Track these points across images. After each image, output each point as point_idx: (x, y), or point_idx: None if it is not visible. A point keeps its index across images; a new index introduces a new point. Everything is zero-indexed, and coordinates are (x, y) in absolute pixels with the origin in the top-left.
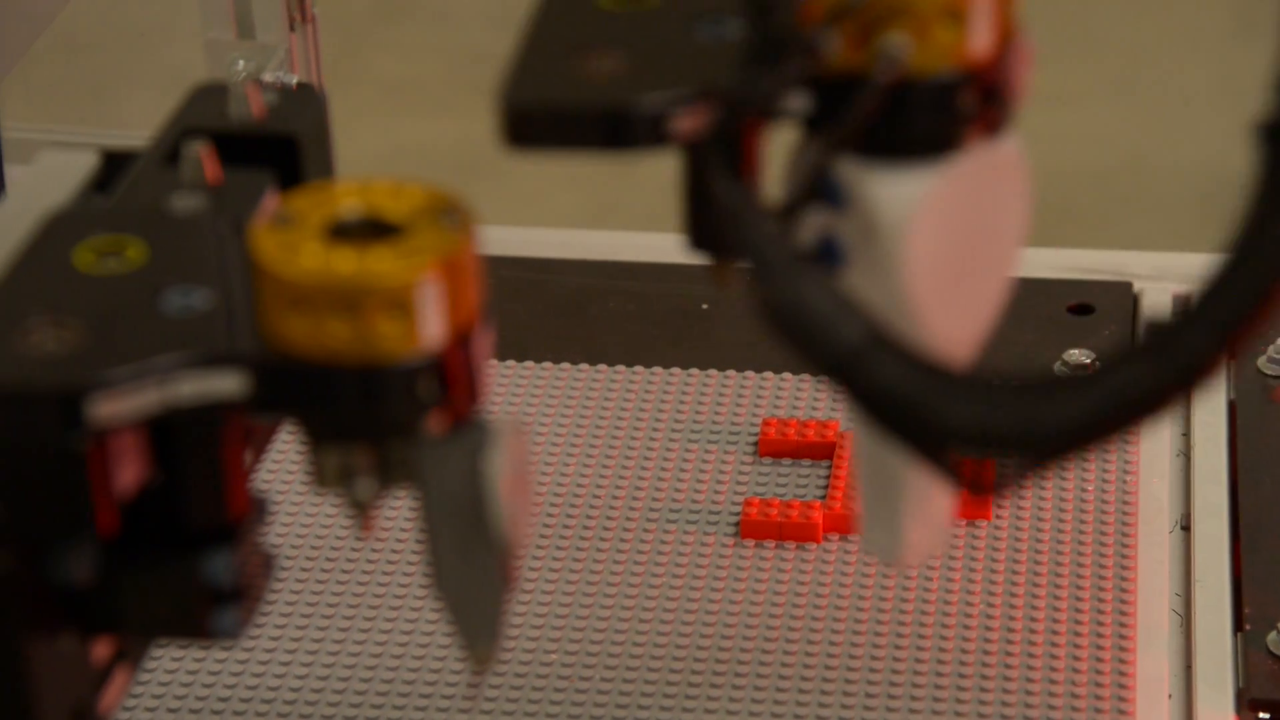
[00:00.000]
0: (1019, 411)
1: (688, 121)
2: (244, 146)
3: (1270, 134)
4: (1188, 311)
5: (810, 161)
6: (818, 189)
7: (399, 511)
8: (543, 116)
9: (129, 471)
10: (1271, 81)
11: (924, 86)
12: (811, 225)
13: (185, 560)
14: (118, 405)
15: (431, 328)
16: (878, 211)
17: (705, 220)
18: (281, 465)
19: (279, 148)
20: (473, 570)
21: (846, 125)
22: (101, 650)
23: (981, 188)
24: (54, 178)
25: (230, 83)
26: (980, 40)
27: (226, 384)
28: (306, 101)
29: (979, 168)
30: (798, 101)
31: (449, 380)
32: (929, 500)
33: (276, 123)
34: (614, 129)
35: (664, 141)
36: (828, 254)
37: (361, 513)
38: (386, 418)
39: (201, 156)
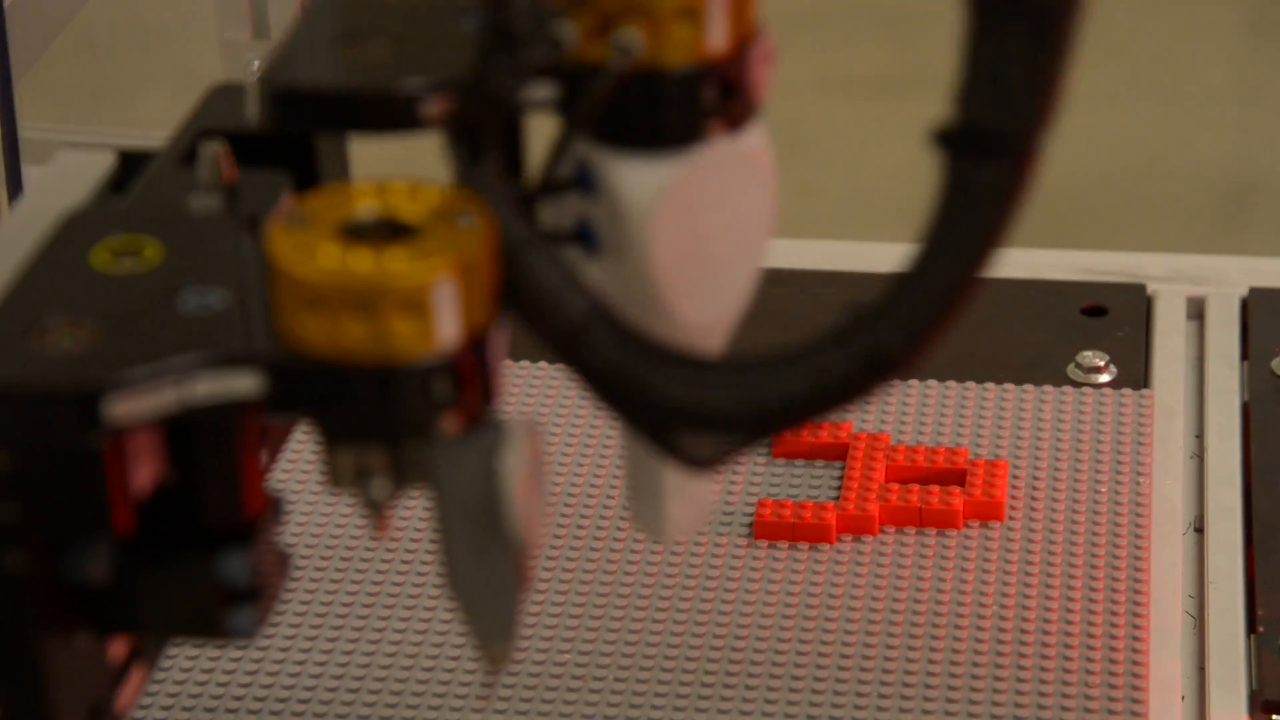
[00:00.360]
0: (727, 391)
1: (436, 107)
2: (260, 147)
3: (944, 140)
4: (881, 305)
5: (552, 148)
6: (576, 177)
7: (413, 511)
8: (304, 98)
9: (145, 471)
10: (953, 93)
11: (663, 79)
12: (569, 211)
13: (201, 559)
14: (134, 405)
15: (447, 328)
16: (623, 198)
17: None
18: (296, 464)
19: (295, 148)
20: (487, 570)
21: (582, 113)
22: (118, 648)
23: (725, 179)
24: (71, 178)
25: (246, 83)
26: (717, 38)
27: (242, 384)
28: None
29: (722, 160)
30: (543, 91)
31: (464, 380)
32: (689, 478)
33: None
34: (370, 112)
35: (419, 125)
36: (584, 239)
37: (376, 513)
38: (401, 418)
39: (218, 157)
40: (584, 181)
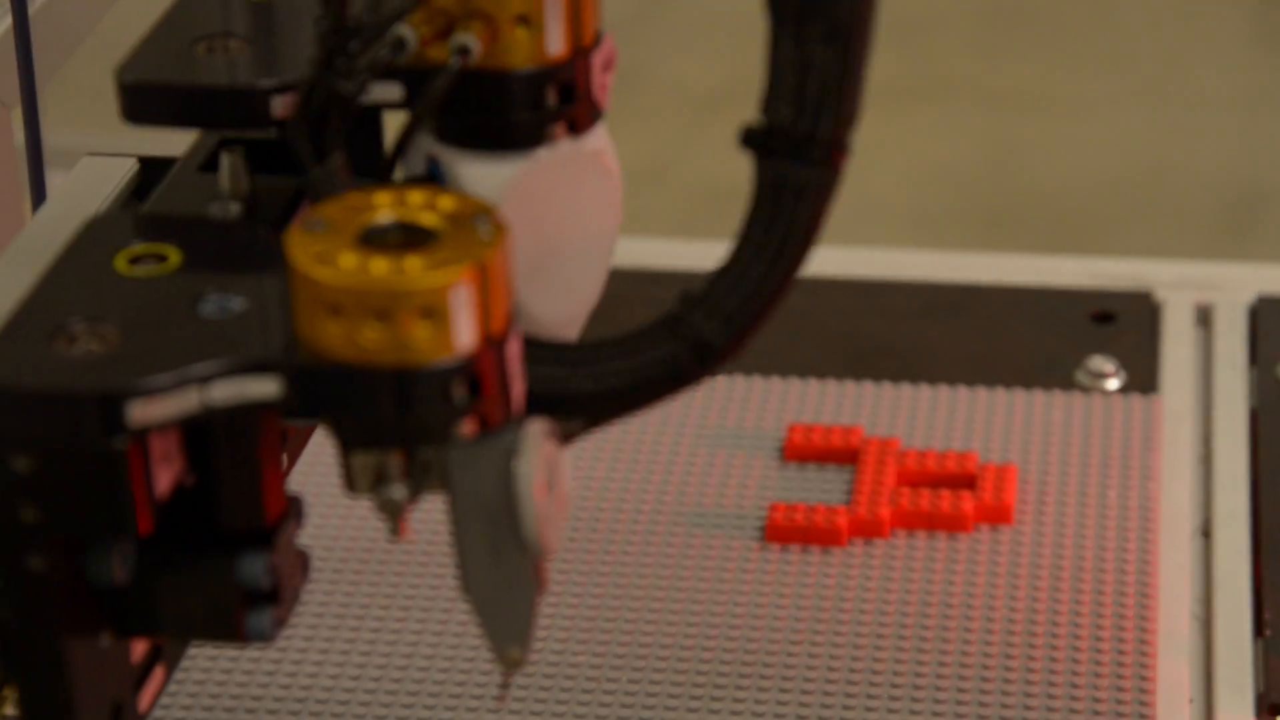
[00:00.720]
0: (570, 375)
1: (283, 106)
2: (279, 154)
3: (751, 140)
4: (701, 296)
5: (395, 141)
6: (427, 174)
7: (429, 513)
8: (155, 93)
9: (166, 473)
10: (761, 99)
11: (503, 81)
12: None
13: (221, 562)
14: (156, 409)
15: (464, 333)
16: (469, 194)
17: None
18: (313, 465)
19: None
20: (504, 574)
21: (420, 111)
22: (139, 648)
23: (567, 180)
24: (93, 185)
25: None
26: (555, 43)
27: (262, 388)
28: None
29: (564, 161)
30: (389, 91)
31: (481, 385)
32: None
33: None
34: (222, 108)
35: (269, 122)
36: None
37: (394, 517)
38: (419, 422)
39: (237, 165)
40: (434, 179)
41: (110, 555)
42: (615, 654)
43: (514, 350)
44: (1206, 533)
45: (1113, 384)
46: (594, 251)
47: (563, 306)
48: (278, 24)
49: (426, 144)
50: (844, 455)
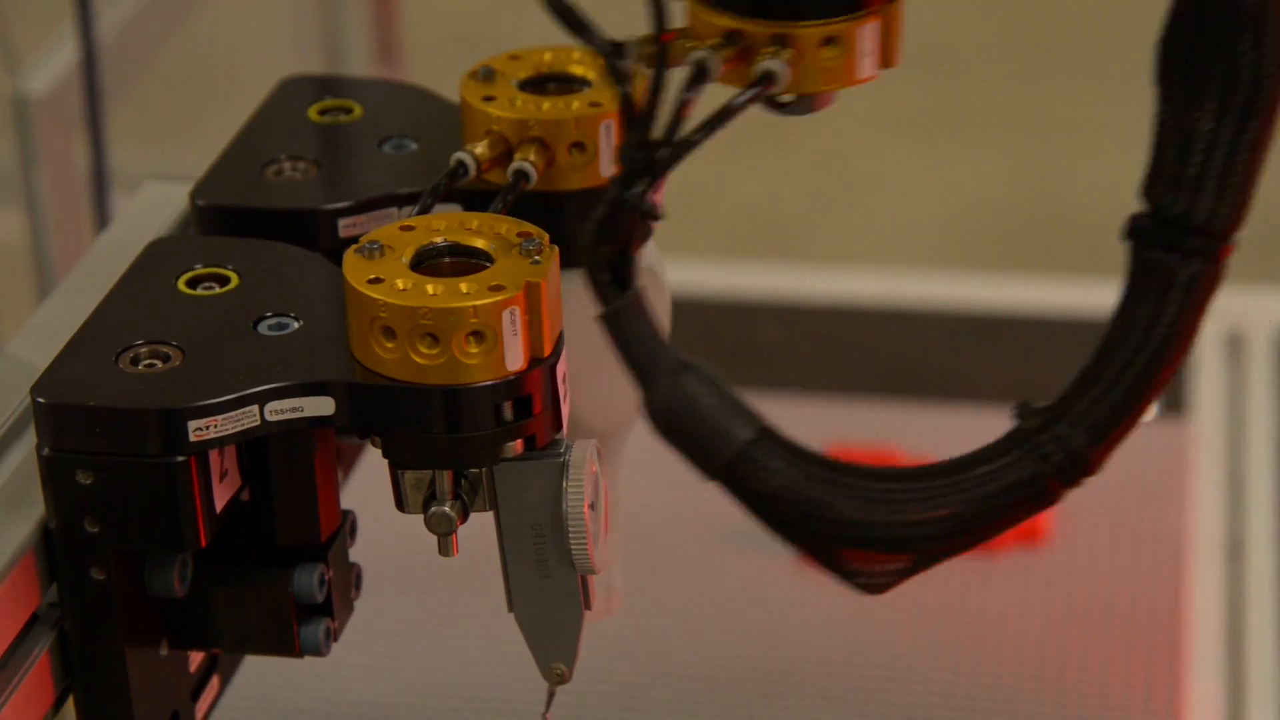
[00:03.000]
0: (901, 513)
1: (347, 226)
2: None
3: (1134, 230)
4: (1059, 406)
5: None
6: None
7: (479, 529)
8: (226, 214)
9: (223, 489)
10: (1145, 179)
11: (560, 201)
12: None
13: (276, 575)
14: (217, 426)
15: (513, 354)
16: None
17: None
18: (364, 483)
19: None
20: (550, 591)
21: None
22: (196, 659)
23: None
24: (155, 209)
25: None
26: (608, 165)
27: (320, 406)
28: None
29: None
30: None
31: (531, 405)
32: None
33: None
34: (288, 229)
35: (336, 242)
36: None
37: (444, 534)
38: (468, 440)
39: None
40: None
41: (169, 568)
42: (655, 670)
43: (561, 371)
44: (1238, 554)
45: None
46: None
47: (614, 413)
48: (343, 146)
49: None
50: None
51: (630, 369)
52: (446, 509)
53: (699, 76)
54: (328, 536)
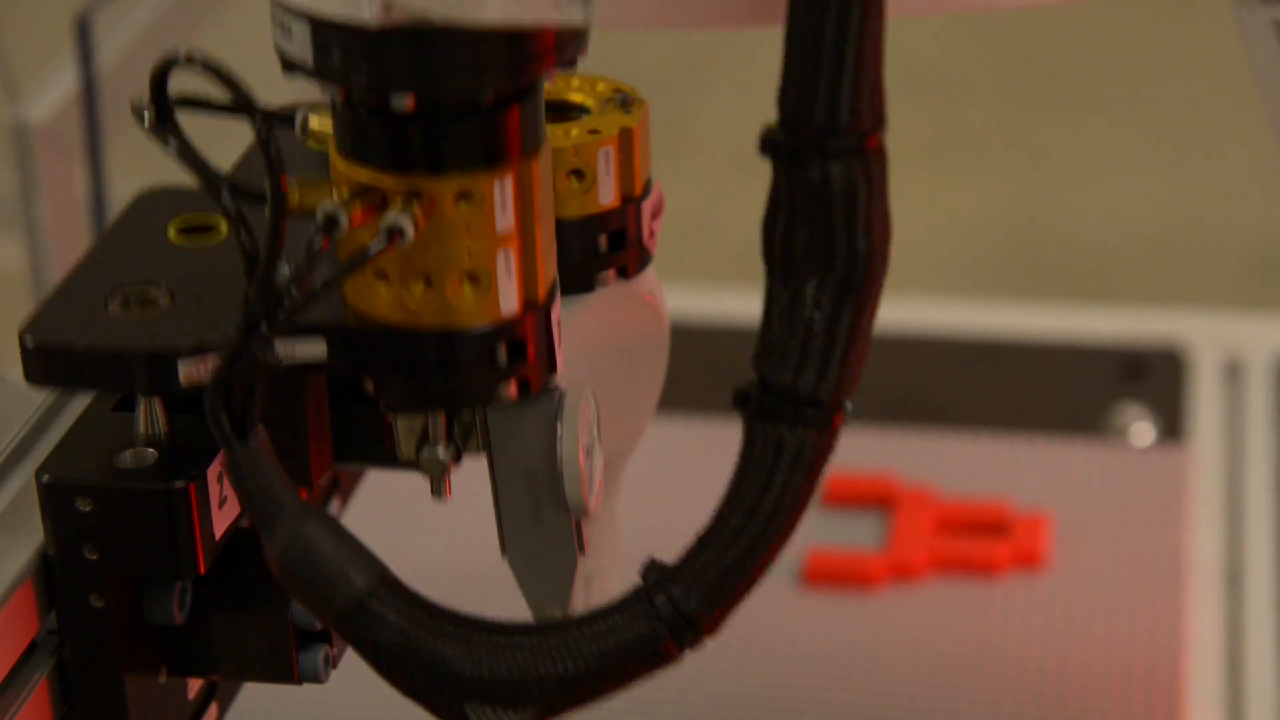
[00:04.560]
0: (516, 668)
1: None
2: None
3: (744, 402)
4: (677, 567)
5: None
6: None
7: (473, 552)
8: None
9: (223, 515)
10: (754, 353)
11: (556, 229)
12: None
13: (274, 602)
14: (205, 367)
15: (508, 297)
16: None
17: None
18: (363, 509)
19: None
20: (544, 536)
21: None
22: (195, 686)
23: (618, 320)
24: None
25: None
26: (606, 193)
27: (311, 350)
28: None
29: (614, 302)
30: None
31: (525, 349)
32: (596, 596)
33: None
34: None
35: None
36: None
37: (438, 478)
38: (462, 384)
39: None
40: None
41: (168, 595)
42: (652, 695)
43: (555, 316)
44: (1237, 580)
45: (1144, 434)
46: (642, 388)
47: (611, 441)
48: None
49: None
50: (880, 500)
51: (251, 515)
52: (440, 453)
53: (327, 228)
54: (318, 478)
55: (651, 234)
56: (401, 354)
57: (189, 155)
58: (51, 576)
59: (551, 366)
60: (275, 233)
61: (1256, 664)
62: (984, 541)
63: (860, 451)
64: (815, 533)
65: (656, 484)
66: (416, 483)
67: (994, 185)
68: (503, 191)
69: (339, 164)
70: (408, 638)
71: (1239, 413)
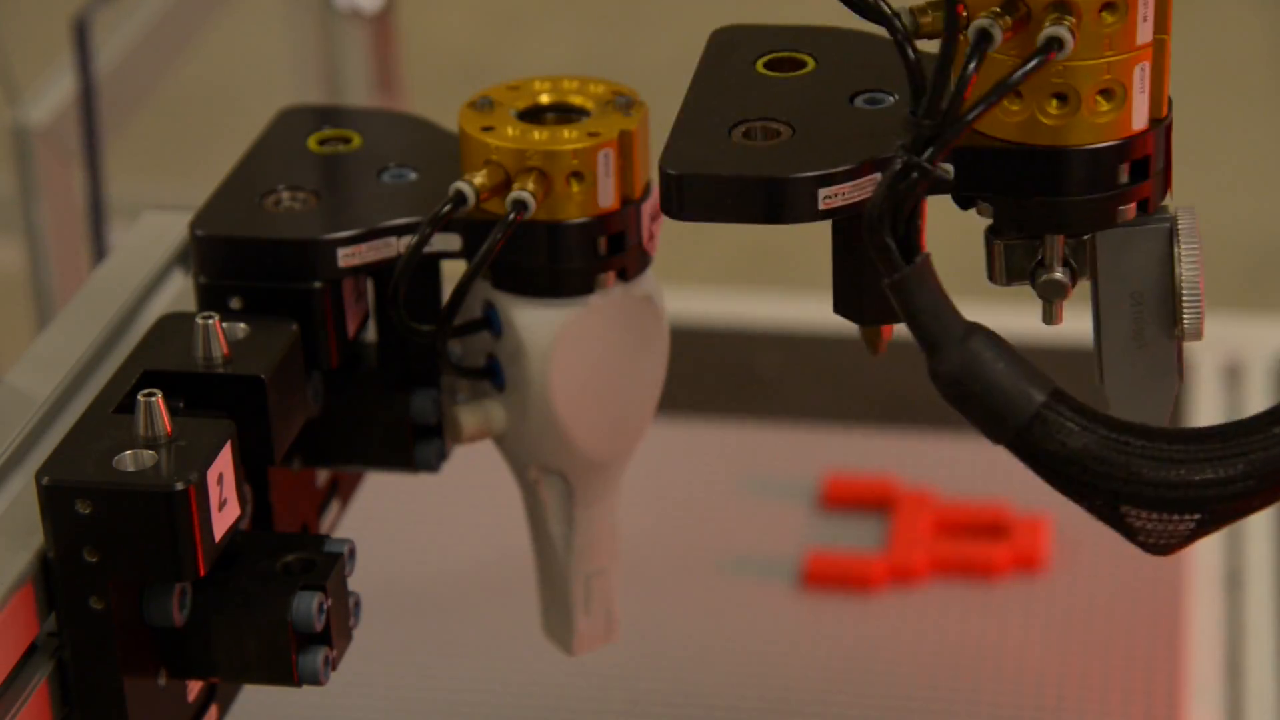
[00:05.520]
0: (1195, 473)
1: (347, 256)
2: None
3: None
4: None
5: (457, 289)
6: (484, 318)
7: (473, 564)
8: (225, 245)
9: (222, 518)
10: None
11: (556, 231)
12: (479, 349)
13: (275, 603)
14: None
15: (1139, 111)
16: (524, 340)
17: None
18: (363, 513)
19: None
20: (1145, 359)
21: (479, 258)
22: (195, 688)
23: (618, 323)
24: (154, 239)
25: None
26: (606, 196)
27: (447, 242)
28: None
29: (614, 305)
30: (448, 241)
31: (1147, 167)
32: (595, 597)
33: None
34: (287, 259)
35: (335, 273)
36: (493, 375)
37: (1055, 300)
38: (1089, 205)
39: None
40: (492, 323)
41: (168, 597)
42: (654, 698)
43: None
44: (1237, 582)
45: None
46: (642, 389)
47: (611, 442)
48: (342, 176)
49: (484, 290)
50: (879, 503)
51: (918, 336)
52: (1057, 274)
53: (981, 44)
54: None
55: (651, 236)
56: (1038, 175)
57: None
58: (51, 578)
59: (1167, 184)
60: (948, 50)
61: (1256, 666)
62: (983, 544)
63: (860, 454)
64: (815, 535)
65: (656, 484)
66: (417, 483)
67: None
68: (1145, 1)
69: None
70: (1087, 447)
71: (1239, 414)
